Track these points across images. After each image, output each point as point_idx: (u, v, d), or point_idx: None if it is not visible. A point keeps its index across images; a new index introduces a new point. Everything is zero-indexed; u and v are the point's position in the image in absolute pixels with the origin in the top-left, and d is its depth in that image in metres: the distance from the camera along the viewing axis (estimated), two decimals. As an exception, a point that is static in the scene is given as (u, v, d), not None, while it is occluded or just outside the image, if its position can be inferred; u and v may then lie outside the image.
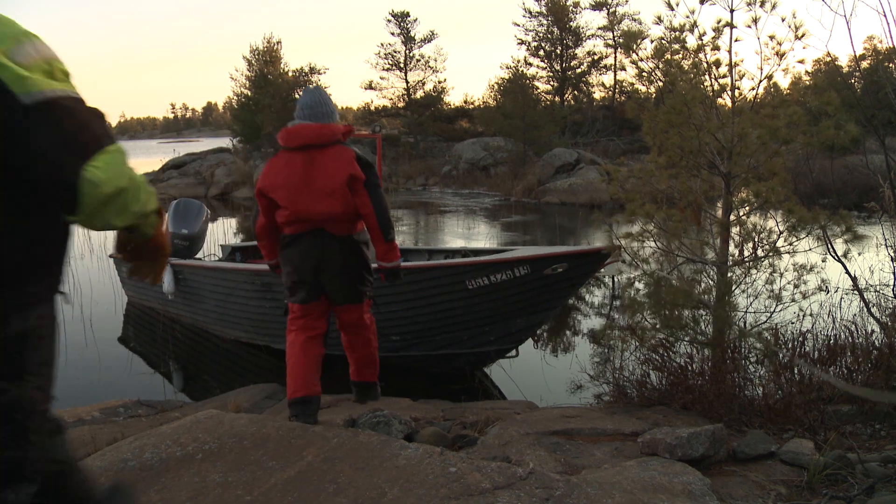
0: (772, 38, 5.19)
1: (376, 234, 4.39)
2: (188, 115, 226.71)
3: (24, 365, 2.02)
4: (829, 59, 5.96)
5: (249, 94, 41.31)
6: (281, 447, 3.61)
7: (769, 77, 5.35)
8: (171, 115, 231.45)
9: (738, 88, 5.48)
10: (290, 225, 4.33)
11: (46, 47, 1.82)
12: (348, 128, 4.44)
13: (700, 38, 5.44)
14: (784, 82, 7.33)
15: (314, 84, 39.62)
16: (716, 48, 5.39)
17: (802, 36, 5.09)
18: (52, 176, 1.74)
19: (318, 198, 4.20)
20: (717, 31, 5.33)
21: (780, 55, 5.19)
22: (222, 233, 18.86)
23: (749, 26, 5.20)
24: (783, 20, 5.10)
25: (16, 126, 1.67)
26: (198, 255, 10.71)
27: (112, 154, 1.83)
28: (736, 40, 5.29)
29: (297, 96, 43.97)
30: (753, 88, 5.43)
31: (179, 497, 3.23)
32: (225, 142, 43.35)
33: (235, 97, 42.51)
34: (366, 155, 4.35)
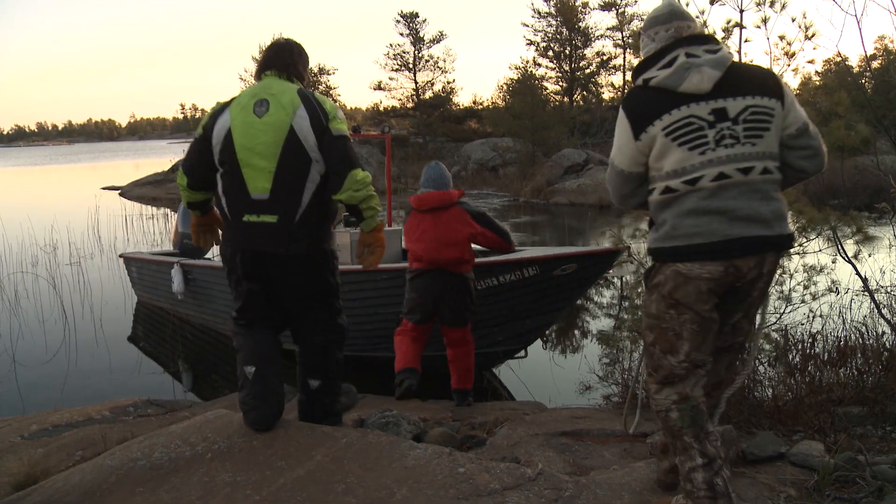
0: (781, 38, 5.18)
1: (503, 246, 5.76)
2: (198, 115, 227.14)
3: (328, 291, 3.79)
4: (839, 59, 5.93)
5: (259, 94, 41.43)
6: (290, 447, 3.61)
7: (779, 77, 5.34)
8: (181, 116, 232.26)
9: (748, 89, 5.46)
10: (421, 263, 5.47)
11: (341, 111, 3.64)
12: (460, 192, 5.61)
13: (709, 38, 5.42)
14: (794, 83, 7.29)
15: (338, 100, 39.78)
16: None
17: (812, 36, 5.07)
18: (338, 170, 3.46)
19: (445, 247, 5.38)
20: (727, 31, 5.32)
21: (790, 55, 5.19)
22: (231, 233, 18.89)
23: (759, 27, 5.20)
24: (793, 20, 5.10)
25: (330, 144, 3.46)
26: (207, 255, 10.74)
27: (363, 172, 3.50)
28: (745, 41, 5.30)
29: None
30: (763, 89, 5.42)
31: (189, 496, 3.24)
32: (234, 142, 43.39)
33: (245, 97, 42.63)
34: (468, 205, 5.58)
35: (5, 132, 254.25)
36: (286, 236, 3.45)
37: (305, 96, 3.50)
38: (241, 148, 3.43)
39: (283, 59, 3.65)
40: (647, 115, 2.64)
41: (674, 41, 2.70)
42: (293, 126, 3.40)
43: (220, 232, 3.89)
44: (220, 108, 3.61)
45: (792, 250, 5.23)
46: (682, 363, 2.65)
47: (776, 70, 5.29)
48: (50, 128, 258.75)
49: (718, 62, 2.60)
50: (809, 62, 5.11)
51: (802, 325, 5.17)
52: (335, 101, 44.73)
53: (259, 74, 3.67)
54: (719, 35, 5.37)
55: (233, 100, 3.61)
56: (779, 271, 5.26)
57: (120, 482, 3.44)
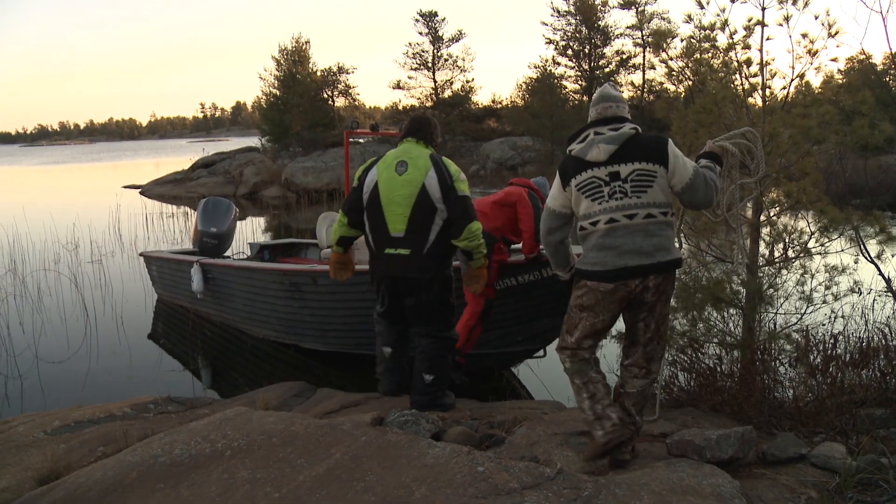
0: (804, 36, 5.13)
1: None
2: (217, 114, 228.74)
3: (445, 306, 4.85)
4: (863, 56, 5.88)
5: (278, 93, 41.59)
6: (309, 445, 3.63)
7: (801, 76, 5.29)
8: (201, 115, 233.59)
9: (770, 87, 5.42)
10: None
11: (462, 173, 4.73)
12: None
13: (731, 36, 5.39)
14: (816, 81, 7.22)
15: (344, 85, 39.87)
16: (746, 47, 5.34)
17: (836, 34, 5.02)
18: (459, 222, 4.58)
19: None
20: (749, 29, 5.27)
21: (813, 53, 5.13)
22: (251, 231, 19.01)
23: (781, 24, 5.15)
24: (816, 18, 5.04)
25: (454, 202, 4.58)
26: (226, 253, 10.80)
27: (477, 223, 4.62)
28: (767, 39, 5.24)
29: (325, 95, 43.96)
30: (785, 87, 5.37)
31: (209, 493, 3.26)
32: (254, 141, 43.71)
33: (264, 97, 42.85)
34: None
35: (29, 131, 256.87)
36: (417, 265, 4.65)
37: (436, 161, 4.71)
38: (384, 197, 4.64)
39: (422, 129, 4.88)
40: (568, 174, 3.68)
41: (591, 122, 3.73)
42: (424, 184, 4.60)
43: (353, 269, 5.27)
44: (370, 165, 4.83)
45: (814, 250, 5.20)
46: (574, 342, 3.65)
47: (798, 69, 5.25)
48: (72, 127, 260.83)
49: (615, 139, 3.58)
50: (832, 60, 5.05)
51: (824, 325, 5.13)
52: (354, 100, 44.90)
53: (402, 138, 4.87)
54: (740, 34, 5.33)
55: (379, 158, 4.82)
56: (800, 271, 5.23)
57: (141, 478, 3.47)
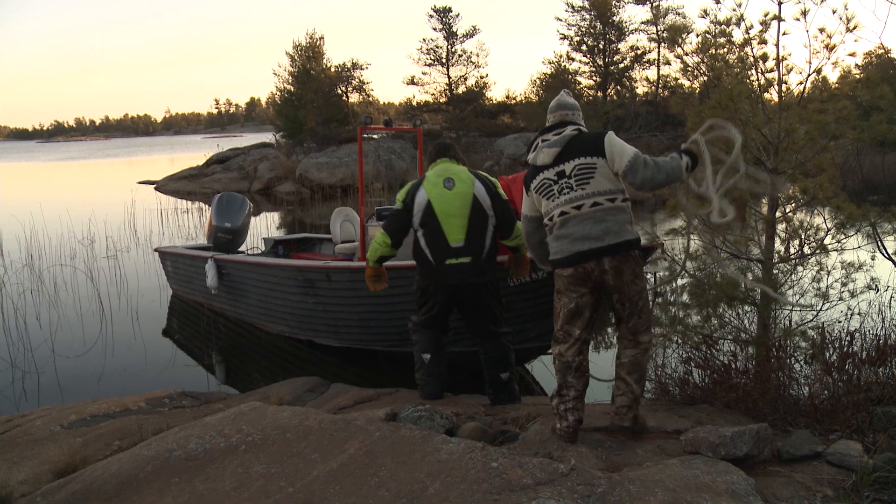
0: (821, 30, 5.08)
1: None
2: (232, 110, 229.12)
3: (498, 304, 5.21)
4: (881, 51, 5.83)
5: (292, 89, 41.62)
6: (323, 440, 3.64)
7: (818, 71, 5.25)
8: (215, 111, 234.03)
9: (786, 83, 5.39)
10: None
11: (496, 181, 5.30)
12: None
13: (747, 31, 5.35)
14: (833, 76, 7.18)
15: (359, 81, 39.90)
16: (763, 42, 5.30)
17: (854, 28, 4.97)
18: (508, 224, 5.10)
19: None
20: (765, 24, 5.24)
21: (830, 48, 5.09)
22: (265, 227, 19.06)
23: (798, 19, 5.11)
24: (834, 12, 4.99)
25: (501, 207, 5.10)
26: (240, 249, 10.83)
27: (519, 222, 4.87)
28: (784, 34, 5.20)
29: (339, 91, 44.01)
30: (801, 83, 5.34)
31: (224, 487, 3.28)
32: (268, 137, 43.76)
33: (278, 93, 42.88)
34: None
35: (45, 127, 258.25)
36: (478, 270, 4.99)
37: (475, 173, 5.16)
38: (440, 212, 4.96)
39: (451, 150, 5.34)
40: (528, 181, 4.19)
41: (541, 130, 4.18)
42: (475, 194, 4.99)
43: (387, 278, 5.52)
44: (415, 188, 5.11)
45: (830, 247, 5.17)
46: (560, 330, 4.05)
47: (815, 64, 5.21)
48: (87, 123, 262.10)
49: (558, 142, 4.04)
50: (850, 55, 5.01)
51: (840, 322, 5.09)
52: (368, 95, 44.93)
53: (433, 160, 5.28)
54: (756, 29, 5.29)
55: (422, 181, 5.12)
56: (816, 268, 5.20)
57: (156, 472, 3.49)
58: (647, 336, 4.04)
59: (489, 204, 5.04)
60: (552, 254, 4.04)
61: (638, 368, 4.01)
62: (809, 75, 5.26)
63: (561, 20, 43.17)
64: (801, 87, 5.35)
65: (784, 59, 5.27)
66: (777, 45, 5.24)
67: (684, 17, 36.37)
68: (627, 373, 4.00)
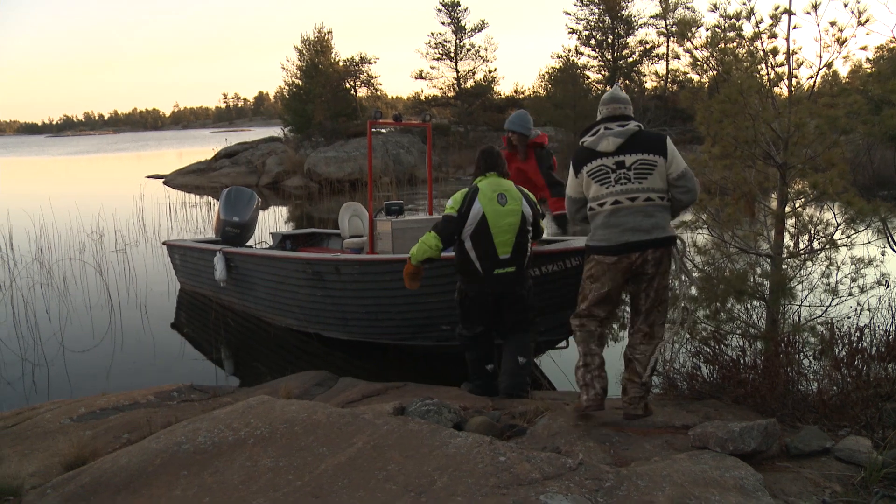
0: (833, 24, 5.05)
1: None
2: (240, 104, 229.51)
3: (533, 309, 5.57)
4: (893, 44, 5.79)
5: (300, 83, 41.63)
6: (331, 434, 3.65)
7: (829, 65, 5.21)
8: (224, 105, 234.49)
9: (796, 77, 5.35)
10: None
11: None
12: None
13: (757, 25, 5.32)
14: (844, 70, 7.13)
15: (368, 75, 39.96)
16: (773, 36, 5.27)
17: (866, 21, 4.93)
18: (539, 234, 5.55)
19: None
20: (775, 18, 5.20)
21: (841, 42, 5.05)
22: (273, 221, 19.10)
23: (808, 13, 5.08)
24: (845, 5, 4.96)
25: (537, 219, 5.48)
26: (248, 243, 10.85)
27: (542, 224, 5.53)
28: (794, 27, 5.17)
29: (347, 86, 43.95)
30: (812, 77, 5.30)
31: (232, 480, 3.29)
32: (276, 131, 43.85)
33: (287, 87, 42.88)
34: None
35: (55, 122, 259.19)
36: (521, 279, 5.36)
37: (520, 190, 5.43)
38: (493, 226, 5.21)
39: (497, 164, 5.44)
40: (580, 163, 4.30)
41: (602, 118, 4.33)
42: (523, 212, 5.30)
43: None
44: (470, 198, 5.28)
45: (840, 242, 5.14)
46: (584, 309, 4.27)
47: (826, 58, 5.18)
48: (96, 117, 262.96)
49: (622, 133, 4.18)
50: (862, 49, 4.98)
51: (849, 318, 5.06)
52: (376, 90, 44.92)
53: (484, 172, 5.41)
54: (767, 22, 5.26)
55: (476, 191, 5.29)
56: (825, 263, 5.18)
57: (165, 465, 3.50)
58: (661, 330, 4.27)
59: (532, 221, 5.41)
60: (597, 240, 4.18)
61: (650, 362, 4.23)
62: (820, 69, 5.23)
63: (569, 14, 43.11)
64: (812, 82, 5.32)
65: (794, 53, 5.23)
66: (787, 40, 5.21)
67: (693, 11, 36.29)
68: (641, 366, 4.22)
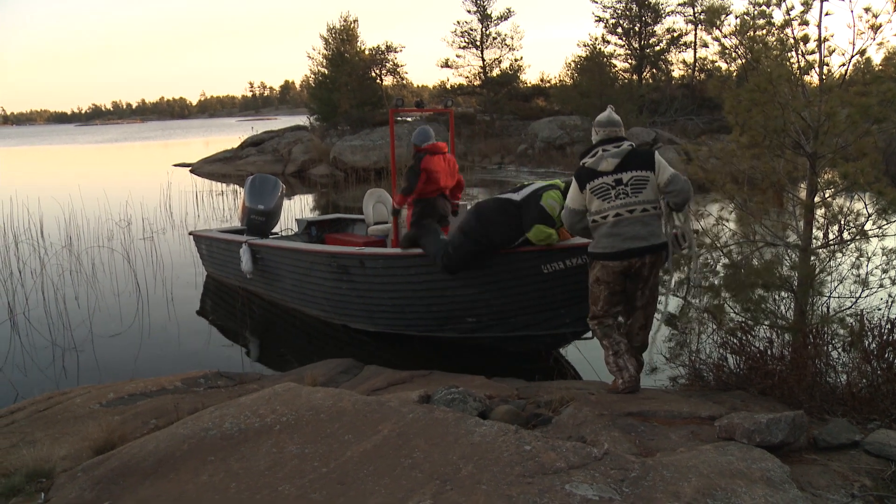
0: (867, 10, 4.97)
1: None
2: (266, 93, 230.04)
3: None
4: (927, 33, 5.69)
5: (326, 72, 41.67)
6: (357, 421, 3.66)
7: (861, 52, 5.13)
8: (250, 94, 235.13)
9: (827, 65, 5.28)
10: (434, 192, 7.45)
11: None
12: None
13: (787, 12, 5.25)
14: (878, 57, 7.01)
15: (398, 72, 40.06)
16: (804, 23, 5.20)
17: (902, 7, 4.85)
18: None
19: (451, 176, 7.72)
20: (806, 4, 5.13)
21: (875, 28, 4.97)
22: (299, 209, 19.17)
23: (842, -1, 5.00)
24: (880, -8, 4.87)
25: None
26: (274, 230, 10.90)
27: (542, 228, 6.09)
28: (826, 14, 5.10)
29: (373, 74, 43.91)
30: (844, 65, 5.22)
31: (258, 466, 3.32)
32: (302, 120, 43.93)
33: (312, 76, 42.93)
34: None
35: (83, 111, 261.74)
36: None
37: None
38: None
39: None
40: (584, 181, 4.86)
41: (599, 140, 4.94)
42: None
43: None
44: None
45: (871, 233, 5.08)
46: (599, 310, 4.90)
47: (858, 45, 5.09)
48: (124, 106, 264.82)
49: (618, 153, 4.79)
50: (896, 35, 4.96)
51: (879, 310, 5.00)
52: (402, 78, 44.86)
53: None
54: (798, 9, 5.19)
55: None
56: (856, 254, 5.11)
57: (192, 450, 3.54)
58: (651, 320, 5.03)
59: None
60: (601, 248, 4.78)
61: (646, 346, 5.07)
62: (853, 57, 5.15)
63: (596, 2, 42.61)
64: (844, 69, 5.24)
65: (826, 40, 5.16)
66: (819, 26, 5.14)
67: (722, -1, 35.72)
68: (640, 352, 5.03)
